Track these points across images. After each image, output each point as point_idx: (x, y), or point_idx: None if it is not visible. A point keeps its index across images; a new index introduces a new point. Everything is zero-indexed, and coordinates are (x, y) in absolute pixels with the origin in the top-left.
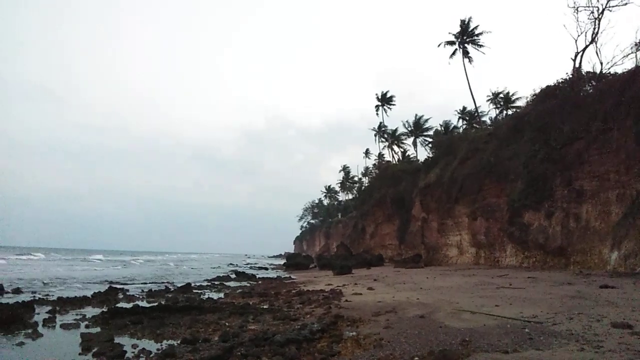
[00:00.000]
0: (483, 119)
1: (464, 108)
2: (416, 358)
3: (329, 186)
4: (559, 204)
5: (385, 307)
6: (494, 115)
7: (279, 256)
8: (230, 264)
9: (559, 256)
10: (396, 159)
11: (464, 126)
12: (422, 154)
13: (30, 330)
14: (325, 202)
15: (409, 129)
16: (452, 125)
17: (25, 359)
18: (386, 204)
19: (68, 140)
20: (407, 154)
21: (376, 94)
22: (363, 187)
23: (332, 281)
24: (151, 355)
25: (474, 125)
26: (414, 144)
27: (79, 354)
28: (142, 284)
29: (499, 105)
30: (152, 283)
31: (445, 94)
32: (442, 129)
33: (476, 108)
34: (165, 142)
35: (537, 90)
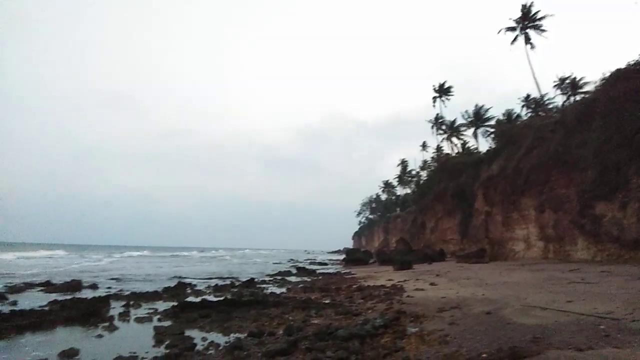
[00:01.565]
0: (549, 106)
1: (528, 96)
2: (484, 355)
3: (387, 181)
4: (634, 194)
5: (449, 303)
6: (561, 102)
7: (338, 252)
8: (291, 259)
9: (635, 249)
10: (455, 151)
11: (528, 114)
12: (484, 145)
13: (107, 324)
14: (383, 197)
15: (469, 119)
16: (515, 114)
17: (104, 351)
18: (446, 198)
19: (144, 145)
20: (467, 145)
21: (433, 86)
22: (421, 181)
23: (392, 276)
24: (220, 348)
25: (539, 113)
26: (474, 135)
27: (153, 346)
28: (208, 279)
29: (565, 92)
30: (217, 278)
31: (506, 82)
32: (505, 118)
33: (541, 95)
34: (229, 143)
35: (607, 74)
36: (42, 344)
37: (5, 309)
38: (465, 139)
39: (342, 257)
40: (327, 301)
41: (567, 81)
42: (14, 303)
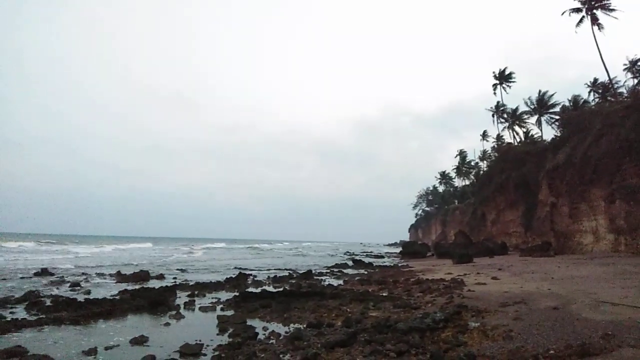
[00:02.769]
0: (618, 90)
1: (595, 80)
2: (552, 351)
3: (444, 172)
4: None
5: (513, 298)
6: (632, 85)
7: (395, 244)
8: (347, 252)
9: None
10: (518, 140)
11: (596, 100)
12: (548, 133)
13: (174, 312)
14: (440, 188)
15: (532, 106)
16: (582, 100)
17: (171, 338)
18: (508, 189)
19: (202, 140)
20: (530, 134)
21: (493, 72)
22: (481, 172)
23: (452, 270)
24: (280, 338)
25: (608, 98)
26: (538, 122)
27: (217, 334)
28: (267, 270)
29: (637, 75)
30: (276, 269)
31: (572, 66)
32: (571, 104)
33: (609, 79)
34: (285, 137)
35: None
36: (114, 331)
37: (80, 297)
38: (528, 127)
39: (399, 250)
40: (384, 294)
41: (639, 63)
42: (88, 292)
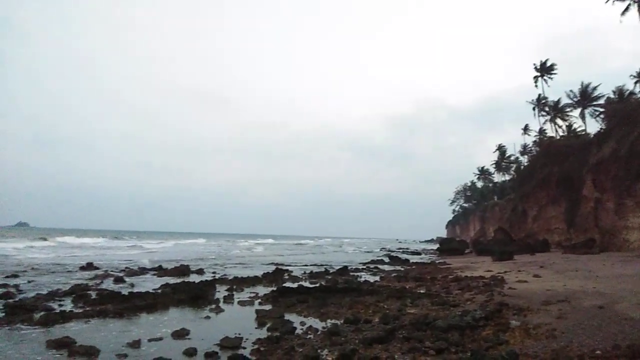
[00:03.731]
0: None
1: None
2: (598, 352)
3: (483, 167)
4: None
5: (556, 296)
6: None
7: (431, 241)
8: (383, 248)
9: None
10: (560, 134)
11: None
12: (592, 126)
13: (213, 306)
14: (479, 184)
15: (575, 99)
16: (628, 91)
17: (211, 331)
18: (550, 184)
19: (233, 139)
20: (572, 127)
21: (534, 64)
22: (522, 167)
23: (491, 267)
24: (318, 333)
25: None
26: (581, 115)
27: (255, 328)
28: (303, 265)
29: None
30: (312, 265)
31: (616, 57)
32: (615, 96)
33: None
34: (320, 134)
35: None
36: (157, 324)
37: (125, 290)
38: (570, 120)
39: (436, 246)
40: (422, 291)
41: None
42: (132, 285)
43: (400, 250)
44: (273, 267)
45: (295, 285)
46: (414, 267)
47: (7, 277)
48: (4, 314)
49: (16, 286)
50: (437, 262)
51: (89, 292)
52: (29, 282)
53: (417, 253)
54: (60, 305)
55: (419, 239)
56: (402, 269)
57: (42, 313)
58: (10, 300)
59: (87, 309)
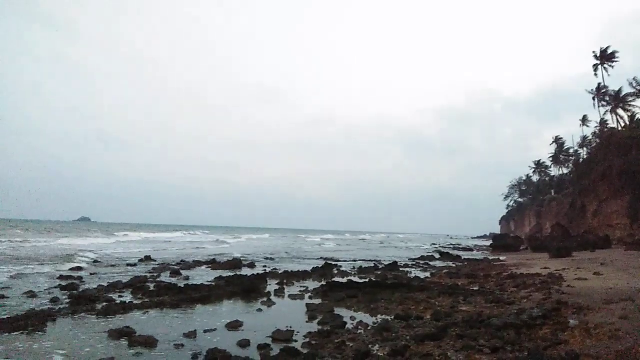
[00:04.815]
0: None
1: None
2: None
3: (539, 161)
4: None
5: (618, 295)
6: None
7: (484, 237)
8: (433, 244)
9: None
10: (622, 125)
11: None
12: None
13: (265, 299)
14: (535, 178)
15: (638, 87)
16: None
17: (264, 324)
18: (612, 178)
19: (288, 134)
20: (636, 117)
21: (593, 52)
22: (581, 160)
23: (548, 265)
24: (369, 328)
25: None
26: None
27: (306, 322)
28: (352, 260)
29: None
30: (361, 260)
31: None
32: None
33: None
34: (369, 128)
35: None
36: (211, 315)
37: (181, 283)
38: (633, 110)
39: (489, 242)
40: (475, 288)
41: None
42: (187, 278)
43: (451, 247)
44: (322, 262)
45: (344, 280)
46: (466, 263)
47: (71, 269)
48: (69, 304)
49: (80, 278)
50: (490, 258)
51: (147, 284)
52: (91, 274)
53: (469, 249)
54: (121, 297)
55: (471, 235)
56: (454, 265)
57: (104, 304)
58: (75, 292)
59: (146, 300)
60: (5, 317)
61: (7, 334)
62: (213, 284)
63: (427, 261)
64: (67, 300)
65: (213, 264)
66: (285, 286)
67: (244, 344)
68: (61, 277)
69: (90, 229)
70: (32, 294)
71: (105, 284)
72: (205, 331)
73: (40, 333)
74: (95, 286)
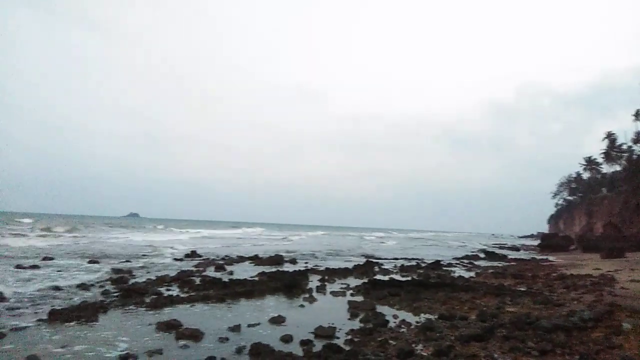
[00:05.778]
0: None
1: None
2: None
3: (590, 157)
4: None
5: None
6: None
7: (531, 236)
8: (478, 243)
9: None
10: None
11: None
12: None
13: (307, 295)
14: (585, 175)
15: None
16: None
17: (306, 320)
18: None
19: (325, 132)
20: None
21: None
22: (635, 156)
23: (600, 265)
24: (411, 327)
25: None
26: None
27: (348, 319)
28: (394, 259)
29: None
30: (403, 259)
31: None
32: None
33: None
34: (413, 124)
35: None
36: (255, 310)
37: (225, 277)
38: None
39: (536, 242)
40: (522, 289)
41: None
42: (231, 273)
43: (497, 246)
44: (363, 260)
45: (386, 278)
46: (512, 263)
47: (121, 261)
48: (118, 297)
49: (129, 271)
50: (538, 258)
51: (193, 278)
52: (141, 267)
53: (516, 249)
54: (168, 290)
55: (517, 234)
56: (500, 265)
57: (152, 297)
58: (124, 285)
59: (192, 294)
60: (58, 308)
61: (62, 324)
62: (256, 279)
63: (471, 260)
64: (117, 293)
65: (256, 259)
66: (326, 283)
67: (286, 339)
68: (112, 271)
69: (155, 226)
70: (84, 287)
71: (153, 278)
72: (249, 325)
73: (94, 323)
74: (144, 280)
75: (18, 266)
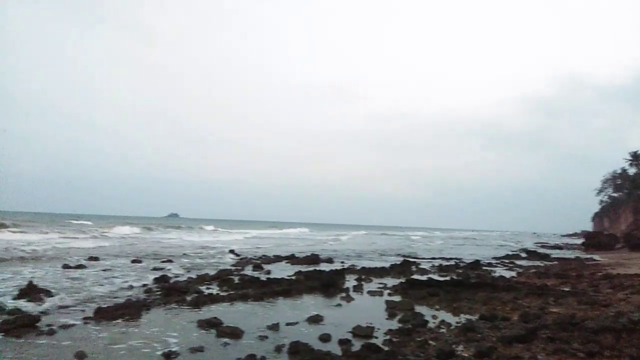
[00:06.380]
0: None
1: None
2: None
3: (635, 152)
4: None
5: None
6: None
7: (574, 235)
8: (518, 242)
9: None
10: None
11: None
12: None
13: (344, 295)
14: (631, 171)
15: None
16: None
17: (343, 319)
18: None
19: (358, 131)
20: None
21: None
22: None
23: None
24: (451, 328)
25: None
26: None
27: (386, 318)
28: (431, 258)
29: None
30: (441, 258)
31: None
32: None
33: None
34: (447, 121)
35: None
36: (292, 309)
37: (263, 276)
38: None
39: (580, 241)
40: (566, 289)
41: None
42: (268, 272)
43: (539, 245)
44: (400, 259)
45: (424, 277)
46: (555, 262)
47: (162, 261)
48: (161, 295)
49: (170, 270)
50: (582, 257)
51: (232, 277)
52: (181, 266)
53: (558, 247)
54: (208, 289)
55: (560, 233)
56: (542, 264)
57: (193, 295)
58: (166, 283)
59: (231, 292)
60: (104, 306)
61: (108, 322)
62: (293, 278)
63: (512, 260)
64: (160, 292)
65: (292, 259)
66: (363, 282)
67: (325, 338)
68: (154, 269)
69: (202, 227)
70: (129, 286)
71: (194, 276)
72: (287, 324)
73: (138, 321)
74: (185, 278)
75: (89, 259)
